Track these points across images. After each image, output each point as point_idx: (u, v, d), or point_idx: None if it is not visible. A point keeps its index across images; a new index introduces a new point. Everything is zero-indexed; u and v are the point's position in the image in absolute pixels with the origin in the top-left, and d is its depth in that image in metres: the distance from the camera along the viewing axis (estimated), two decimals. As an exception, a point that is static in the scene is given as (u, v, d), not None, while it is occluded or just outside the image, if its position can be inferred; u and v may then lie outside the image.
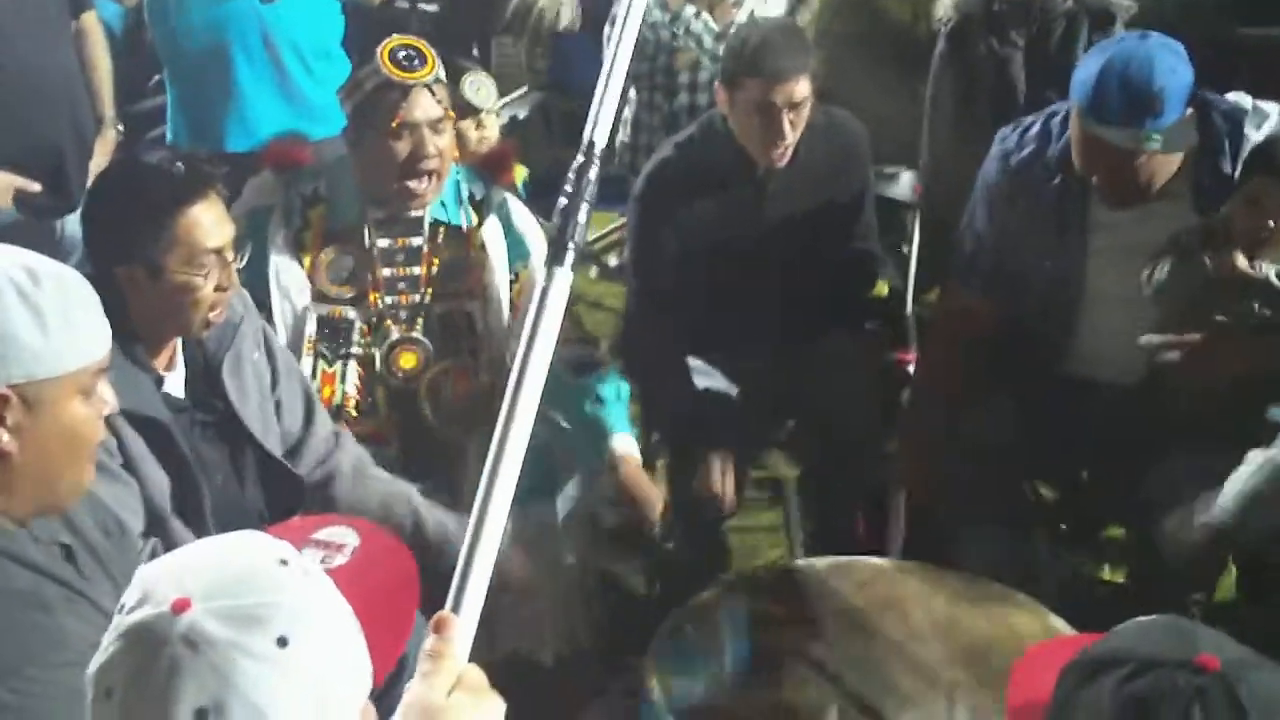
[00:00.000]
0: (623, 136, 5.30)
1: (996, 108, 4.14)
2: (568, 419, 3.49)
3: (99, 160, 4.44)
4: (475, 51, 6.50)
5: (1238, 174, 3.33)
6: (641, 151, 4.99)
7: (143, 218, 2.78)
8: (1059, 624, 2.95)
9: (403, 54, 3.35)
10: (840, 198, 3.93)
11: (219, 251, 2.84)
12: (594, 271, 6.15)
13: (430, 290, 3.50)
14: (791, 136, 3.67)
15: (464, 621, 1.35)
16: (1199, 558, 3.24)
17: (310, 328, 3.44)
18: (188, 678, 1.38)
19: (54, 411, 2.04)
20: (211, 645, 1.39)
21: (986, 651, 2.86)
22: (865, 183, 4.04)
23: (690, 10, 5.01)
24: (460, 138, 3.91)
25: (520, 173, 4.18)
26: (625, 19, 1.53)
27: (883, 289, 4.41)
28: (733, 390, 3.93)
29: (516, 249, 3.55)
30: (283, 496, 3.05)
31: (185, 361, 2.99)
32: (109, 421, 2.25)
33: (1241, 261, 3.24)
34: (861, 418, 3.83)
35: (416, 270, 3.50)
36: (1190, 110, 3.28)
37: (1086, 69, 3.32)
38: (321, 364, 3.44)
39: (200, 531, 2.84)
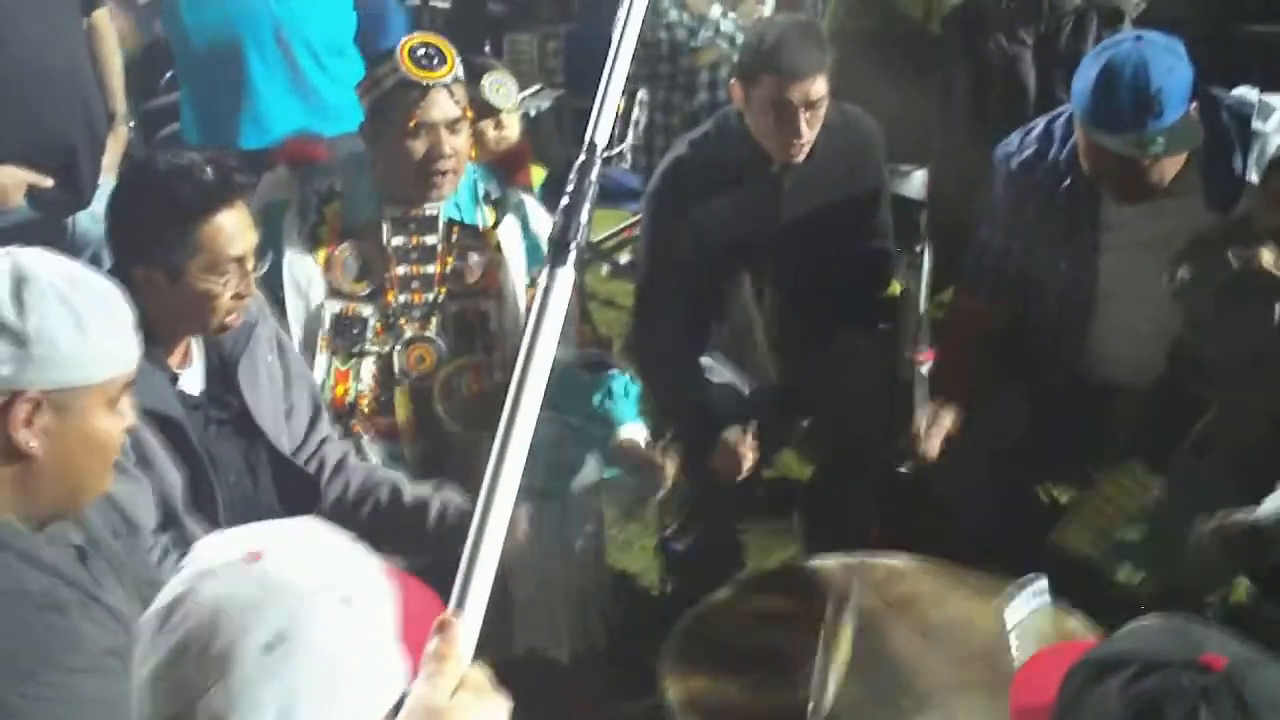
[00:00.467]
0: (635, 139, 5.30)
1: (1006, 106, 4.14)
2: (579, 416, 3.49)
3: (112, 157, 4.44)
4: (487, 48, 6.52)
5: (1251, 170, 3.32)
6: (656, 153, 5.00)
7: (168, 222, 2.78)
8: (1074, 624, 2.94)
9: (422, 52, 3.34)
10: (855, 196, 3.93)
11: (240, 260, 2.85)
12: (605, 269, 6.16)
13: (444, 289, 3.50)
14: (808, 134, 3.66)
15: (468, 622, 1.35)
16: (1220, 557, 3.23)
17: (325, 324, 3.44)
18: (258, 613, 1.43)
19: (81, 419, 2.05)
20: (283, 589, 1.44)
21: (1002, 651, 2.84)
22: (880, 181, 4.04)
23: (717, 9, 5.01)
24: (478, 137, 3.90)
25: (539, 174, 4.17)
26: (628, 17, 1.53)
27: (896, 288, 4.40)
28: (745, 389, 3.93)
29: (535, 253, 3.54)
30: (296, 495, 3.05)
31: (202, 358, 2.99)
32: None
33: (1269, 258, 3.23)
34: (874, 417, 3.82)
35: (431, 269, 3.49)
36: (1194, 105, 3.27)
37: (1084, 77, 3.32)
38: (336, 361, 3.44)
39: (213, 529, 2.83)
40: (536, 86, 6.21)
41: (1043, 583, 2.78)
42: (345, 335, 3.44)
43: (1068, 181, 3.49)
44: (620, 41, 1.50)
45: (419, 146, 3.35)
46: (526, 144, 4.12)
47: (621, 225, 6.07)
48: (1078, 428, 3.58)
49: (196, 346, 2.99)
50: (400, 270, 3.48)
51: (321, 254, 3.45)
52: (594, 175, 1.49)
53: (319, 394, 3.28)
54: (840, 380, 3.84)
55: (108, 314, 2.06)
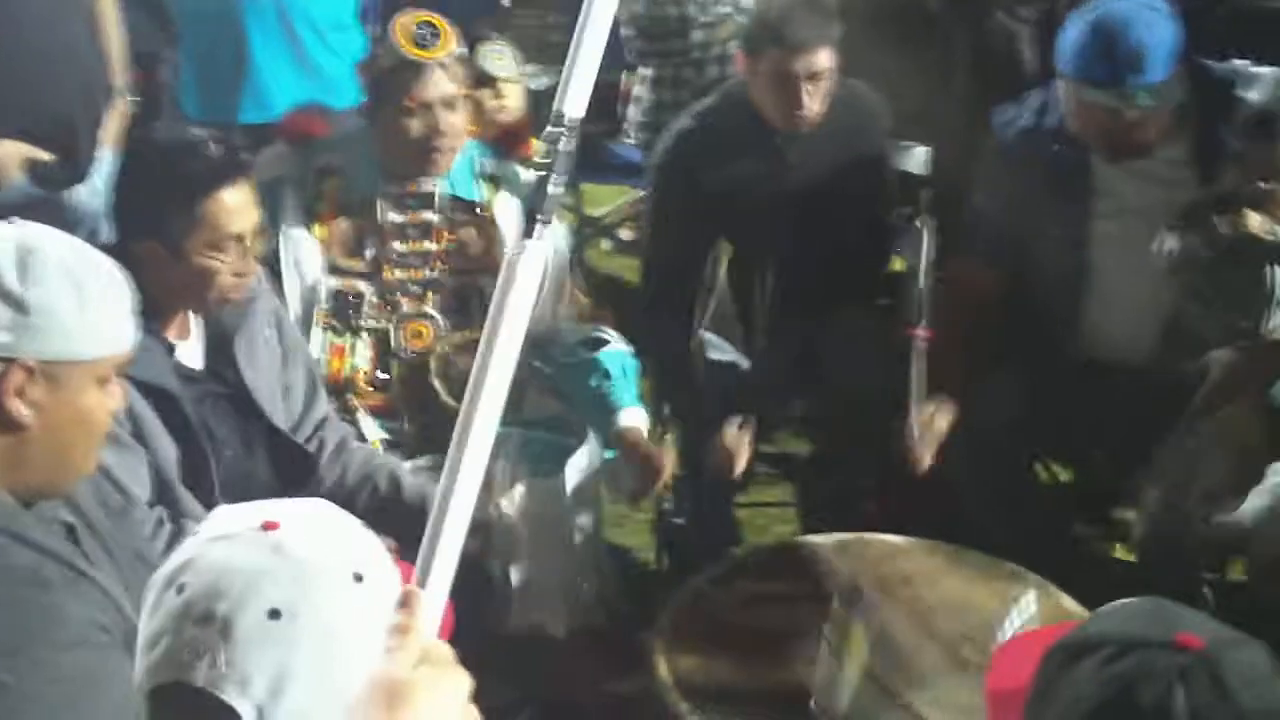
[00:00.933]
0: (641, 115, 5.28)
1: (1007, 82, 4.13)
2: (575, 395, 3.49)
3: (111, 131, 4.43)
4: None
5: (1236, 138, 3.34)
6: (663, 129, 4.99)
7: (173, 197, 2.80)
8: (1070, 604, 2.94)
9: (418, 31, 3.35)
10: (858, 170, 3.92)
11: (241, 237, 2.85)
12: (608, 245, 6.15)
13: (442, 265, 3.50)
14: (812, 105, 3.65)
15: (430, 596, 1.35)
16: (1211, 548, 3.24)
17: (322, 300, 3.44)
18: (267, 579, 1.40)
19: (73, 394, 2.06)
20: (296, 560, 1.42)
21: (999, 630, 2.85)
22: (883, 155, 4.04)
23: None
24: (477, 107, 3.89)
25: (539, 147, 4.14)
26: None
27: (898, 263, 4.39)
28: (745, 364, 3.93)
29: None
30: (291, 471, 3.06)
31: (200, 333, 3.00)
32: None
33: (1255, 222, 3.25)
34: (874, 393, 3.81)
35: (429, 245, 3.49)
36: (1179, 68, 3.30)
37: (1068, 34, 3.38)
38: (331, 336, 3.44)
39: (208, 502, 2.84)
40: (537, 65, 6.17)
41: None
42: (342, 311, 3.45)
43: (1060, 147, 3.51)
44: (590, 7, 1.48)
45: (416, 125, 3.36)
46: (528, 118, 4.10)
47: (622, 200, 6.05)
48: (1075, 406, 3.57)
49: (195, 321, 3.00)
50: (398, 246, 3.48)
51: (319, 230, 3.46)
52: (563, 145, 1.47)
53: (317, 372, 3.29)
54: (840, 355, 3.83)
55: (109, 293, 2.08)
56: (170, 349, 2.91)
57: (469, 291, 3.53)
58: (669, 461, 3.47)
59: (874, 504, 3.89)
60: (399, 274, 3.48)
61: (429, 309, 3.49)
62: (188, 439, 2.85)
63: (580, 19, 1.48)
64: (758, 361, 3.93)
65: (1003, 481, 3.61)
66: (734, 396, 3.75)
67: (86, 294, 2.03)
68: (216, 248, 2.82)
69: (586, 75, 1.48)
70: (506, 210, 3.55)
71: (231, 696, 1.36)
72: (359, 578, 1.43)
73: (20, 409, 2.01)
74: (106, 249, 2.18)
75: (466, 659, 1.40)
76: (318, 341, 3.41)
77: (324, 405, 3.22)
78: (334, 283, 3.45)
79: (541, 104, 5.18)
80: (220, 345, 3.01)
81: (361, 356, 3.45)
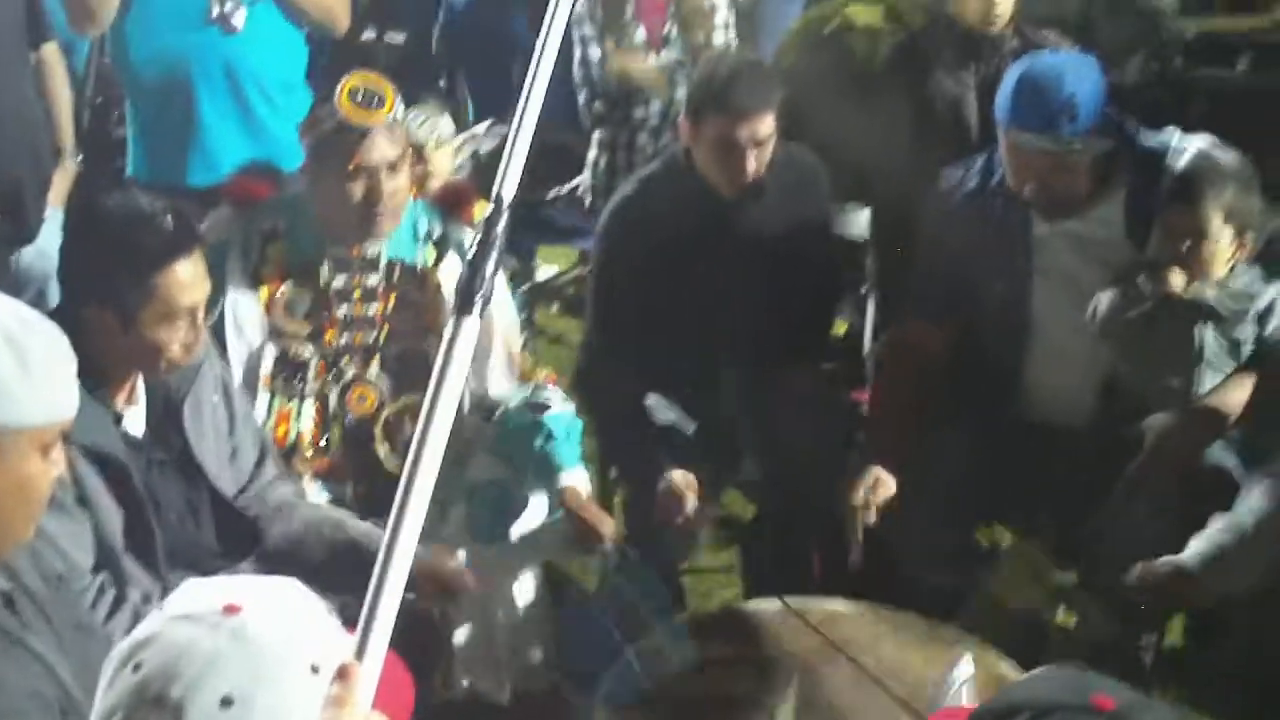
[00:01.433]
0: (592, 178, 5.34)
1: (950, 145, 4.18)
2: (519, 457, 3.49)
3: (58, 192, 4.43)
4: (443, 83, 6.51)
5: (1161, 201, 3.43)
6: (602, 194, 5.05)
7: (124, 269, 2.78)
8: (1008, 668, 2.96)
9: (361, 94, 3.34)
10: (802, 234, 3.94)
11: (193, 310, 2.85)
12: (555, 307, 6.17)
13: (386, 329, 3.51)
14: (755, 170, 3.68)
15: (368, 669, 1.36)
16: (1155, 597, 3.27)
17: (266, 364, 3.43)
18: (223, 666, 1.43)
19: (14, 462, 2.05)
20: (252, 647, 1.45)
21: (934, 697, 2.86)
22: (825, 218, 4.08)
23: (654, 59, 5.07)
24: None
25: (483, 210, 4.16)
26: (536, 71, 1.54)
27: (841, 327, 4.43)
28: (691, 426, 3.94)
29: None
30: (236, 537, 3.05)
31: (146, 398, 2.99)
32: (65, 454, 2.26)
33: (1177, 283, 3.33)
34: (818, 457, 3.83)
35: (373, 309, 3.50)
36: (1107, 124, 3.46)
37: (1005, 85, 3.52)
38: (278, 401, 3.44)
39: (152, 569, 2.84)
40: (489, 121, 6.19)
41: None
42: (286, 376, 3.45)
43: (1001, 207, 3.60)
44: (527, 97, 1.52)
45: (358, 188, 3.35)
46: (471, 182, 4.11)
47: (571, 264, 6.09)
48: (1015, 469, 3.60)
49: (141, 386, 2.99)
50: (342, 311, 3.48)
51: (263, 293, 3.45)
52: (500, 228, 1.51)
53: (265, 436, 3.28)
54: (784, 420, 3.85)
55: (52, 360, 2.07)
56: (118, 417, 2.91)
57: (413, 355, 3.53)
58: (608, 522, 3.47)
59: (817, 564, 3.91)
60: (343, 338, 3.48)
61: (372, 374, 3.50)
62: (133, 505, 2.83)
63: (518, 106, 1.51)
64: (703, 424, 3.95)
65: (945, 543, 3.64)
66: (681, 458, 3.76)
67: (29, 362, 2.01)
68: (167, 320, 2.81)
69: (520, 158, 1.51)
70: (451, 273, 3.55)
71: None
72: (315, 669, 1.46)
73: None
74: (53, 312, 2.16)
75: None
76: (263, 406, 3.40)
77: (272, 469, 3.22)
78: (278, 347, 3.45)
79: (485, 163, 5.24)
80: (167, 410, 3.00)
81: (306, 421, 3.45)
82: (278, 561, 2.92)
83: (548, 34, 1.56)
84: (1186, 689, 3.48)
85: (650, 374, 3.89)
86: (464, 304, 1.47)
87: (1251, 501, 3.20)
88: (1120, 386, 3.60)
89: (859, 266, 4.72)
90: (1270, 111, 5.04)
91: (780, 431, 3.86)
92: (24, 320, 2.05)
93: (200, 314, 2.89)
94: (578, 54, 5.33)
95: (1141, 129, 3.59)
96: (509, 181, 1.51)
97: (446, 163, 4.19)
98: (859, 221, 4.60)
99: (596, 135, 5.41)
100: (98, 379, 2.80)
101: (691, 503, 3.59)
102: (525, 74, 1.53)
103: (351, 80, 3.36)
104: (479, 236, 1.50)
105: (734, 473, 4.16)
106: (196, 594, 1.52)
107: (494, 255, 1.50)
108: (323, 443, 3.48)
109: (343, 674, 1.38)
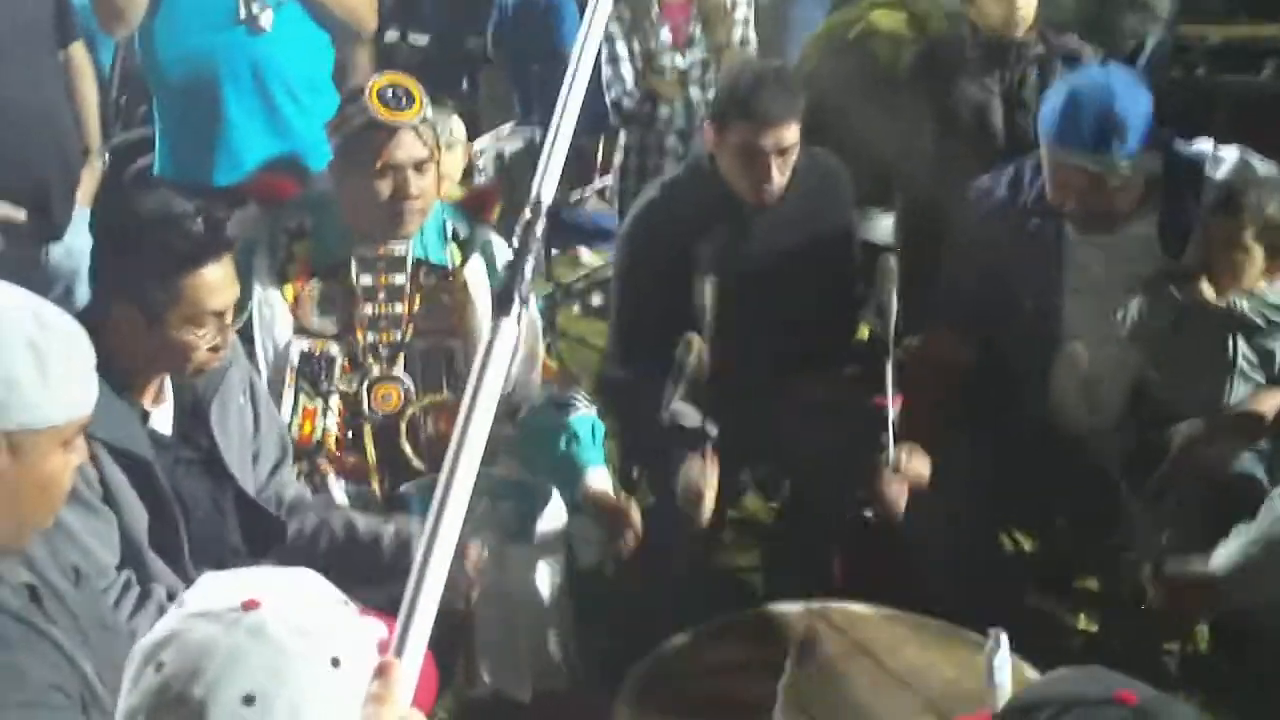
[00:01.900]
0: (619, 181, 5.34)
1: (975, 151, 4.18)
2: (543, 458, 3.50)
3: (85, 190, 4.45)
4: (465, 85, 6.53)
5: (1202, 214, 3.41)
6: (630, 197, 5.05)
7: (154, 271, 2.79)
8: (1031, 673, 2.95)
9: (391, 93, 3.36)
10: (824, 239, 3.94)
11: (220, 313, 2.86)
12: (577, 309, 6.17)
13: (411, 328, 3.52)
14: (779, 179, 3.68)
15: (407, 666, 1.37)
16: (1180, 605, 3.27)
17: (292, 362, 3.45)
18: (244, 664, 1.43)
19: (36, 459, 2.05)
20: (273, 643, 1.45)
21: (957, 700, 2.86)
22: (849, 224, 4.07)
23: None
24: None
25: (517, 230, 4.15)
26: (575, 74, 1.54)
27: (864, 333, 4.42)
28: (713, 431, 3.94)
29: None
30: (261, 536, 3.06)
31: (174, 397, 3.00)
32: (90, 452, 2.28)
33: (1209, 292, 3.32)
34: (839, 462, 3.83)
35: (398, 308, 3.51)
36: (1152, 142, 3.42)
37: (1052, 100, 3.48)
38: (303, 399, 3.45)
39: (177, 567, 2.84)
40: (510, 124, 6.21)
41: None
42: (312, 373, 3.46)
43: (1035, 220, 3.56)
44: (566, 101, 1.52)
45: (386, 186, 3.37)
46: (496, 183, 4.12)
47: (594, 265, 6.09)
48: (1042, 475, 3.60)
49: (168, 385, 3.00)
50: (368, 309, 3.49)
51: (290, 292, 3.46)
52: (539, 231, 1.51)
53: (288, 440, 3.30)
54: (806, 425, 3.85)
55: (71, 359, 2.07)
56: (145, 416, 2.92)
57: (438, 355, 3.54)
58: (637, 516, 3.47)
59: (839, 568, 3.90)
60: (369, 336, 3.49)
61: (398, 372, 3.51)
62: (159, 504, 2.84)
63: (556, 110, 1.52)
64: (725, 428, 3.94)
65: (968, 548, 3.63)
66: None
67: (48, 365, 2.01)
68: (195, 322, 2.83)
69: (559, 160, 1.52)
70: (475, 274, 3.57)
71: None
72: (336, 662, 1.46)
73: None
74: (82, 311, 2.16)
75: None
76: (288, 404, 3.42)
77: (289, 473, 3.24)
78: (304, 345, 3.46)
79: (508, 165, 5.24)
80: (195, 410, 3.01)
81: (331, 418, 3.46)
82: (293, 560, 2.93)
83: (585, 37, 1.56)
84: (1212, 695, 3.47)
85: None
86: (502, 306, 1.47)
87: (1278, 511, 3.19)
88: (1149, 394, 3.58)
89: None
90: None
91: (802, 436, 3.85)
92: (44, 323, 2.04)
93: (229, 317, 2.91)
94: (605, 52, 5.33)
95: (1177, 139, 3.57)
96: (548, 183, 1.52)
97: (457, 164, 4.20)
98: (883, 226, 4.59)
99: (622, 138, 5.42)
100: (125, 378, 2.83)
101: (712, 484, 3.55)
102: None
103: (382, 80, 3.39)
104: (518, 238, 1.50)
105: (755, 476, 4.16)
106: (214, 589, 1.52)
107: (531, 258, 1.51)
108: (348, 441, 3.48)
109: (383, 671, 1.38)
